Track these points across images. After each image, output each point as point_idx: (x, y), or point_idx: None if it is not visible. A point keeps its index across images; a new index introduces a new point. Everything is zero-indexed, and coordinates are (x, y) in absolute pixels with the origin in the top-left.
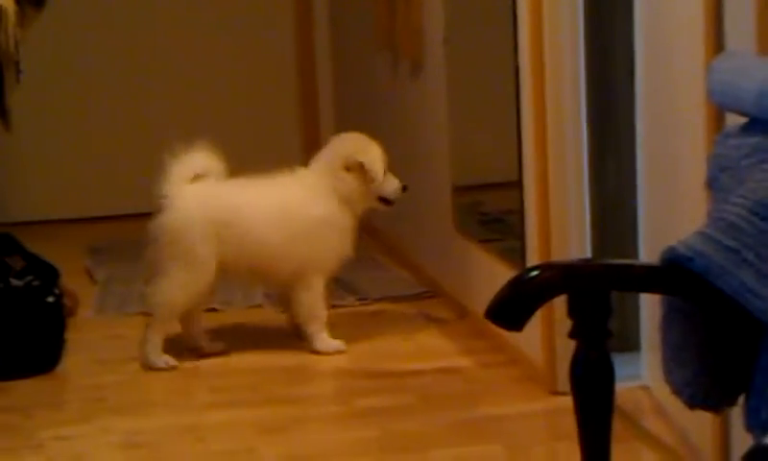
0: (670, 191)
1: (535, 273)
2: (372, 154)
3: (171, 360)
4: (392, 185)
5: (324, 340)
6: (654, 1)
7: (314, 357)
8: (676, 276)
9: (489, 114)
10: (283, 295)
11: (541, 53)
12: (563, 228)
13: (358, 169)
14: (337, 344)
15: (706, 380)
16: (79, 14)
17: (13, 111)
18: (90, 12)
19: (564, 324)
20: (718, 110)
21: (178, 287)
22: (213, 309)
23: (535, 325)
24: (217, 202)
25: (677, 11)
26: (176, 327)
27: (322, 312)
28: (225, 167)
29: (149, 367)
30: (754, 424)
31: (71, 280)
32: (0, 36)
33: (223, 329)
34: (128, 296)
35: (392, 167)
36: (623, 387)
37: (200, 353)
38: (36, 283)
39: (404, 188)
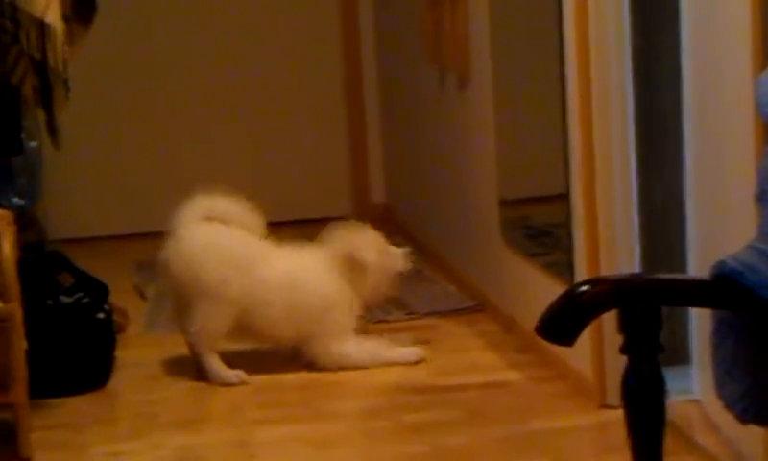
0: (719, 203)
1: (586, 288)
2: (366, 244)
3: (242, 374)
4: (397, 260)
5: (398, 354)
6: (701, 12)
7: (362, 372)
8: (726, 290)
9: (536, 127)
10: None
11: (588, 64)
12: (611, 241)
13: (358, 266)
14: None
15: (758, 394)
16: (127, 32)
17: (61, 129)
18: (138, 30)
19: (614, 337)
20: (766, 123)
21: (211, 318)
22: None
23: (584, 338)
24: (230, 244)
25: (725, 22)
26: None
27: (364, 359)
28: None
29: (221, 384)
30: None
31: (120, 297)
32: (48, 54)
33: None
34: (173, 316)
35: (439, 181)
36: (673, 401)
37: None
38: (85, 300)
39: (411, 253)
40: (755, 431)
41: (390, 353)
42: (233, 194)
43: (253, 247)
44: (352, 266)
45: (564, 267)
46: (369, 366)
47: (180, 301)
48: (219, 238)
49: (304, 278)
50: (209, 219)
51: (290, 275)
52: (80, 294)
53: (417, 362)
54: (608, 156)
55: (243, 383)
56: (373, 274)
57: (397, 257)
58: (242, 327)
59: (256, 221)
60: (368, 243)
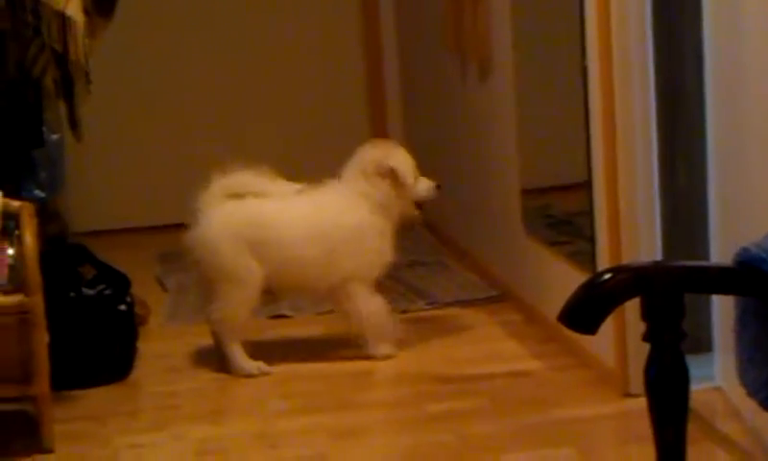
0: (741, 191)
1: (608, 276)
2: (400, 157)
3: (264, 366)
4: (425, 186)
5: (383, 346)
6: (724, 1)
7: (384, 362)
8: (750, 277)
9: (557, 116)
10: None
11: (610, 53)
12: (633, 229)
13: (389, 174)
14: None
15: None
16: (148, 25)
17: (83, 122)
18: (161, 23)
19: (636, 325)
20: None
21: (235, 304)
22: (283, 315)
23: (606, 327)
24: (251, 220)
25: (747, 10)
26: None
27: (382, 319)
28: (277, 180)
29: (243, 375)
30: None
31: (142, 289)
32: (70, 46)
33: (293, 335)
34: (201, 307)
35: (460, 171)
36: (696, 389)
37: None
38: (107, 292)
39: (438, 187)
40: None
41: (384, 336)
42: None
43: (273, 210)
44: (383, 176)
45: (586, 256)
46: (364, 328)
47: (204, 286)
48: (236, 217)
49: (328, 216)
50: (233, 196)
51: (314, 219)
52: (102, 286)
53: (383, 358)
54: (630, 144)
55: (264, 374)
56: (402, 186)
57: (426, 185)
58: (281, 289)
59: (279, 184)
60: (401, 156)
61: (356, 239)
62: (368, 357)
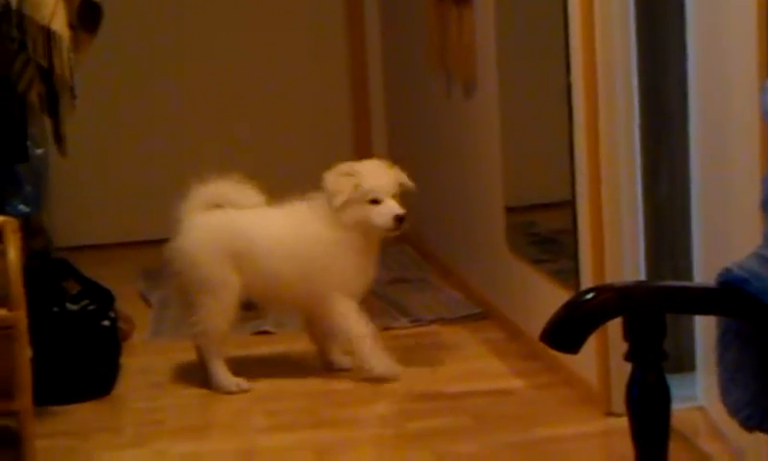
0: (724, 211)
1: (590, 295)
2: (369, 177)
3: (243, 383)
4: (384, 212)
5: (379, 362)
6: (707, 17)
7: (367, 380)
8: (732, 297)
9: (541, 134)
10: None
11: (594, 71)
12: (616, 247)
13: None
14: (393, 368)
15: (763, 401)
16: (134, 41)
17: (67, 137)
18: (146, 40)
19: (619, 344)
20: None
21: (214, 315)
22: (266, 332)
23: (589, 346)
24: (229, 231)
25: (731, 28)
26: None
27: (361, 330)
28: (259, 193)
29: (223, 392)
30: None
31: (126, 304)
32: (55, 61)
33: (276, 351)
34: (183, 319)
35: (444, 188)
36: (678, 408)
37: (330, 368)
38: (91, 307)
39: (398, 219)
40: (759, 438)
41: (372, 353)
42: (230, 177)
43: (250, 221)
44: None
45: (569, 274)
46: (352, 345)
47: (184, 298)
48: (214, 228)
49: (302, 231)
50: (212, 206)
51: (288, 233)
52: (85, 301)
53: (388, 380)
54: (613, 162)
55: (243, 392)
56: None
57: (386, 210)
58: (262, 301)
59: (256, 196)
60: (372, 174)
61: (329, 255)
62: (369, 378)
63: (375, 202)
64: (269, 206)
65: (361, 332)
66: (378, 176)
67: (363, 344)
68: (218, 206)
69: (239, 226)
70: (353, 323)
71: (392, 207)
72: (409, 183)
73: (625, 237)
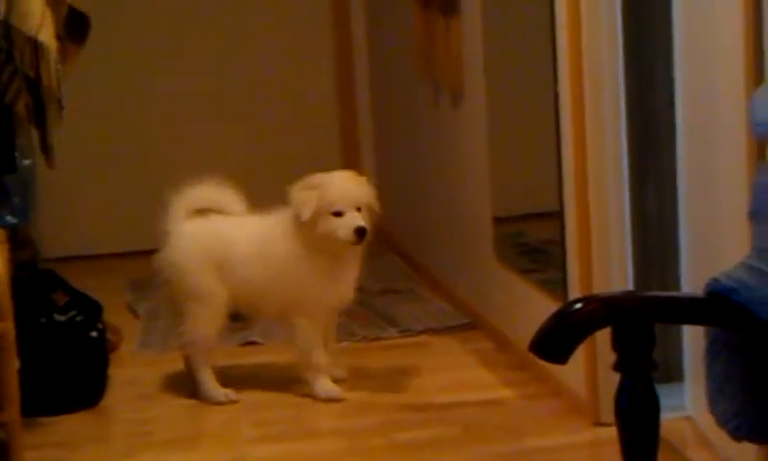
0: (712, 220)
1: (579, 306)
2: (329, 189)
3: (231, 393)
4: (345, 225)
5: (321, 385)
6: (694, 28)
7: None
8: (720, 307)
9: (529, 144)
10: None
11: (581, 82)
12: (604, 258)
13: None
14: (334, 391)
15: (750, 412)
16: (121, 52)
17: (55, 148)
18: (133, 51)
19: (607, 354)
20: (759, 140)
21: (202, 323)
22: (254, 342)
23: (577, 356)
24: (214, 239)
25: (718, 39)
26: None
27: (315, 358)
28: (244, 198)
29: (211, 402)
30: None
31: (114, 315)
32: (42, 72)
33: (264, 362)
34: (171, 330)
35: (432, 198)
36: (666, 418)
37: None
38: (79, 319)
39: (359, 232)
40: (747, 448)
41: (319, 374)
42: (215, 182)
43: (231, 228)
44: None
45: (557, 284)
46: (303, 366)
47: (173, 307)
48: (199, 235)
49: (270, 243)
50: (196, 211)
51: (260, 243)
52: (73, 312)
53: (325, 400)
54: (601, 173)
55: (232, 402)
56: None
57: (348, 222)
58: (245, 310)
59: (239, 202)
60: (331, 186)
61: (290, 271)
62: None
63: (338, 214)
64: (251, 214)
65: (314, 362)
66: (341, 188)
67: (312, 368)
68: (202, 211)
69: (222, 232)
70: (311, 350)
71: (353, 220)
72: (374, 201)
73: (613, 247)
